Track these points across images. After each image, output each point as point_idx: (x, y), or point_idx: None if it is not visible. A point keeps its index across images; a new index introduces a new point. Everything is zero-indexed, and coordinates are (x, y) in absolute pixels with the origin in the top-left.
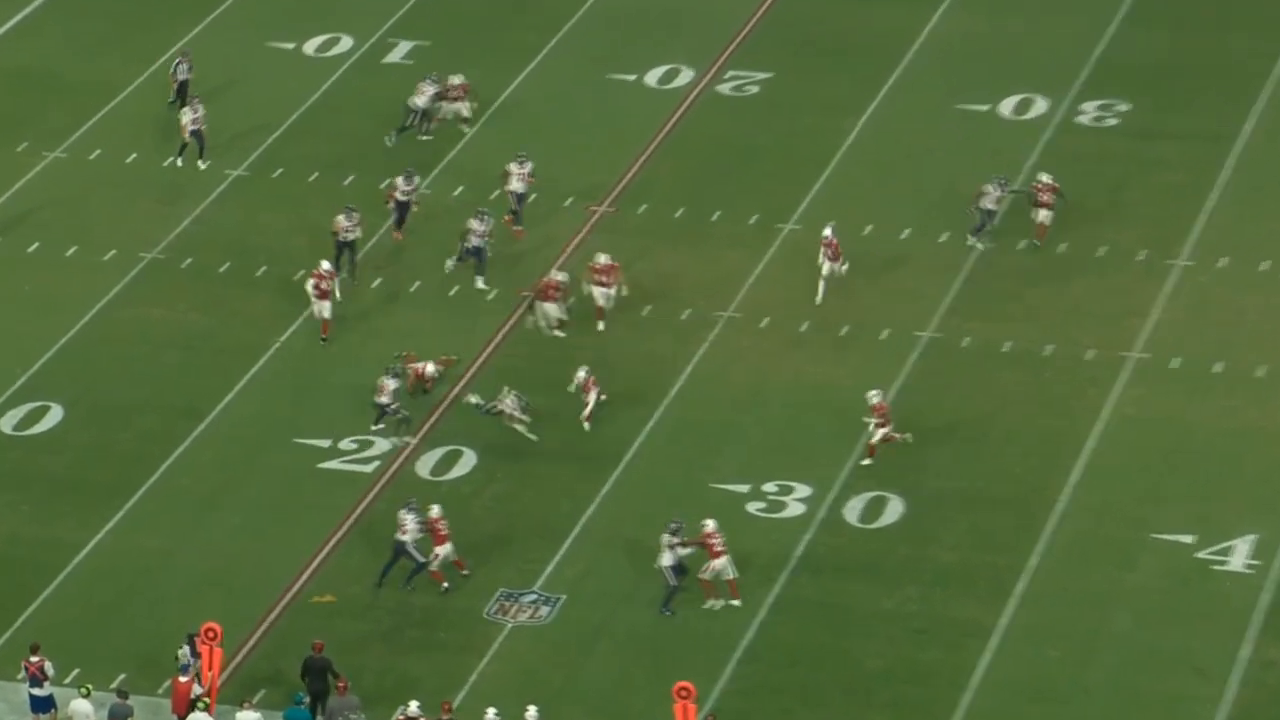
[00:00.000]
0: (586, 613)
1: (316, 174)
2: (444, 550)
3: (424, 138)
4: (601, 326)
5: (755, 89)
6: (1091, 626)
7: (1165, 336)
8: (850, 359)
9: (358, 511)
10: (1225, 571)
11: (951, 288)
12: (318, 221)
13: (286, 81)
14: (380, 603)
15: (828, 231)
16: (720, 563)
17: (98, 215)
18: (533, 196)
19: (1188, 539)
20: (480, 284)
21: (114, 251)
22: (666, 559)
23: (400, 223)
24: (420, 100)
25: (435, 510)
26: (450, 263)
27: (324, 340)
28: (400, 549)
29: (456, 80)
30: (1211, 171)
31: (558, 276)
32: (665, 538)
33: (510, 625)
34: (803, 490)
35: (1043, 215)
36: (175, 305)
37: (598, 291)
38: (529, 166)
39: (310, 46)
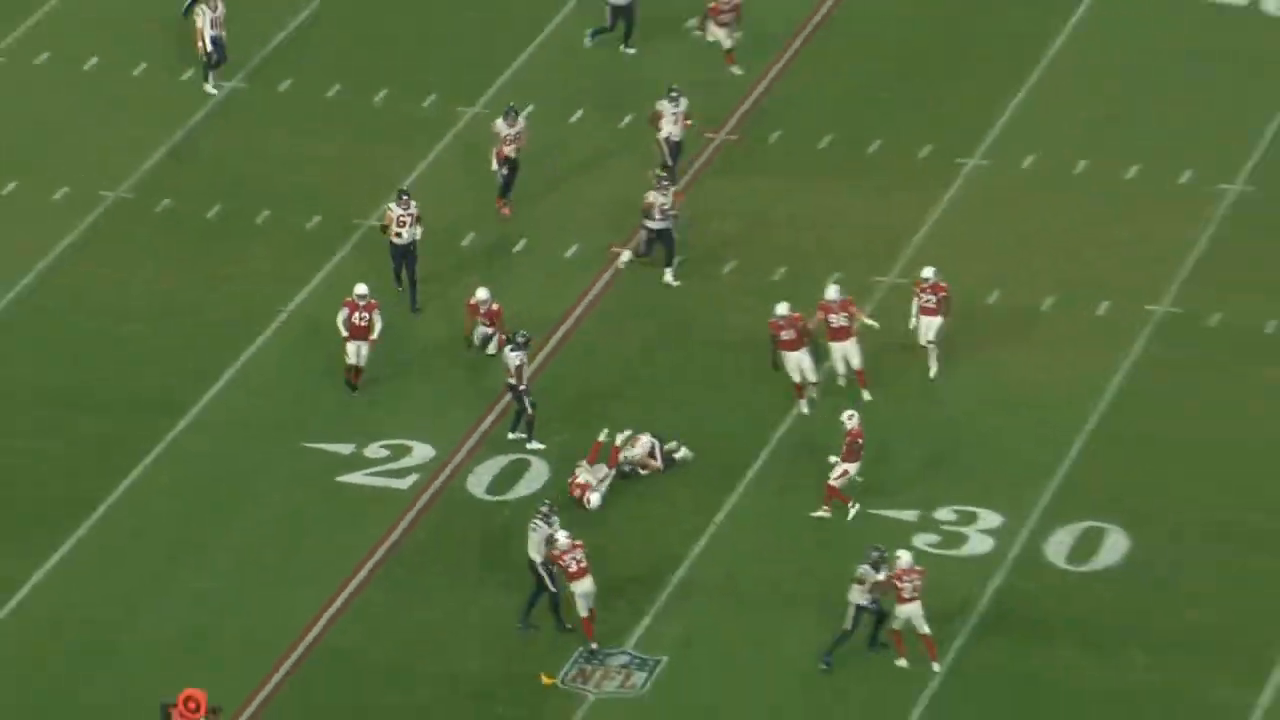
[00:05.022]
0: (696, 680)
1: (337, 87)
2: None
3: (629, 50)
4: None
5: None
6: None
7: None
8: (1053, 342)
9: (390, 539)
10: None
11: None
12: (340, 152)
13: None
14: (421, 665)
15: (929, 273)
16: (910, 609)
17: (46, 139)
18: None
19: None
20: (669, 277)
21: (66, 189)
22: (857, 596)
23: (508, 187)
24: None
25: (562, 539)
26: (624, 256)
27: (352, 390)
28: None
29: None
30: None
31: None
32: (863, 569)
33: (593, 696)
34: (990, 519)
35: None
36: (142, 263)
37: None
38: (684, 104)
39: None
